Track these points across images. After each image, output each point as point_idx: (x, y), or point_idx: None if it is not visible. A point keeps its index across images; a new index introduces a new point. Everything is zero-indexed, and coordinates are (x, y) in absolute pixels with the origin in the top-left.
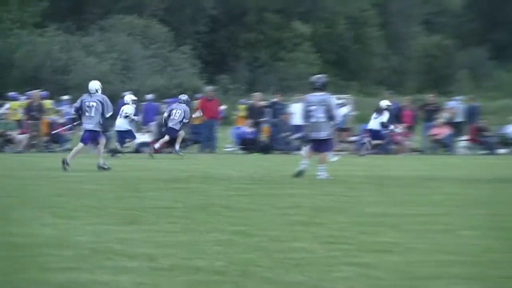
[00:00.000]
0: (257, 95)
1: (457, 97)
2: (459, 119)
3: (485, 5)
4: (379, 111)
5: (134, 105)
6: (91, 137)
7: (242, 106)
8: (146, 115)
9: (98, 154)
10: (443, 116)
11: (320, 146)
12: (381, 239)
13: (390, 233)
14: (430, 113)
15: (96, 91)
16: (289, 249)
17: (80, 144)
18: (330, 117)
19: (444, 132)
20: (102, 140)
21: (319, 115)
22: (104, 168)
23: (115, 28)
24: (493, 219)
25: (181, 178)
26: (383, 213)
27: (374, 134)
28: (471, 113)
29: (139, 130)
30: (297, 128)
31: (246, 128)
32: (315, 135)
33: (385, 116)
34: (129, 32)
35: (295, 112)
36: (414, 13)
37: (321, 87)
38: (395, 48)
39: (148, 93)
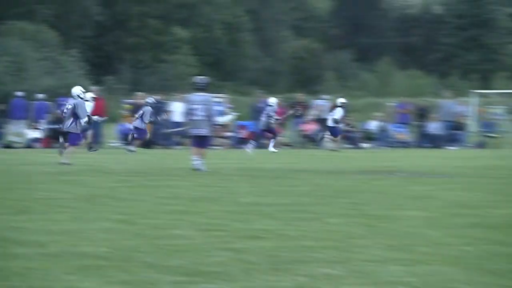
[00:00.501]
0: (141, 94)
1: (324, 96)
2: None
3: (350, 11)
4: (334, 108)
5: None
6: (72, 137)
7: (127, 105)
8: (37, 113)
9: (66, 152)
10: (312, 113)
11: (200, 142)
12: (253, 227)
13: (262, 220)
14: (299, 111)
15: (78, 96)
16: (169, 236)
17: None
18: (210, 115)
19: (312, 128)
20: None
21: (200, 114)
22: (65, 163)
23: (9, 33)
24: (356, 207)
25: (69, 171)
26: (256, 203)
27: (330, 130)
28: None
29: (30, 127)
30: (177, 125)
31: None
32: (196, 131)
33: (338, 113)
34: (22, 37)
35: (176, 110)
36: (284, 19)
37: (204, 88)
38: (267, 51)
39: (40, 93)
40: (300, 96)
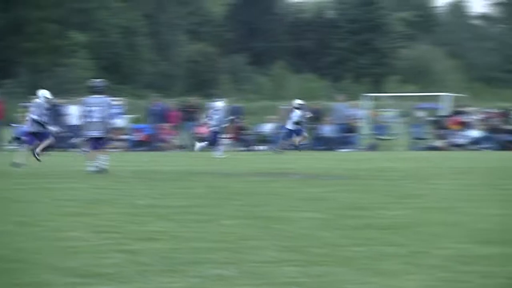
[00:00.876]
0: None
1: (219, 99)
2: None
3: (244, 15)
4: (292, 110)
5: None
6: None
7: (25, 109)
8: None
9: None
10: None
11: (96, 143)
12: (148, 228)
13: (157, 222)
14: (193, 114)
15: (44, 97)
16: (67, 238)
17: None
18: (107, 117)
19: (206, 131)
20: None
21: (97, 116)
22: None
23: None
24: (251, 209)
25: None
26: (151, 205)
27: (291, 132)
28: (233, 114)
29: None
30: (75, 128)
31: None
32: (92, 133)
33: (295, 114)
34: None
35: (73, 113)
36: (180, 23)
37: (101, 91)
38: (163, 55)
39: None
40: (194, 99)
